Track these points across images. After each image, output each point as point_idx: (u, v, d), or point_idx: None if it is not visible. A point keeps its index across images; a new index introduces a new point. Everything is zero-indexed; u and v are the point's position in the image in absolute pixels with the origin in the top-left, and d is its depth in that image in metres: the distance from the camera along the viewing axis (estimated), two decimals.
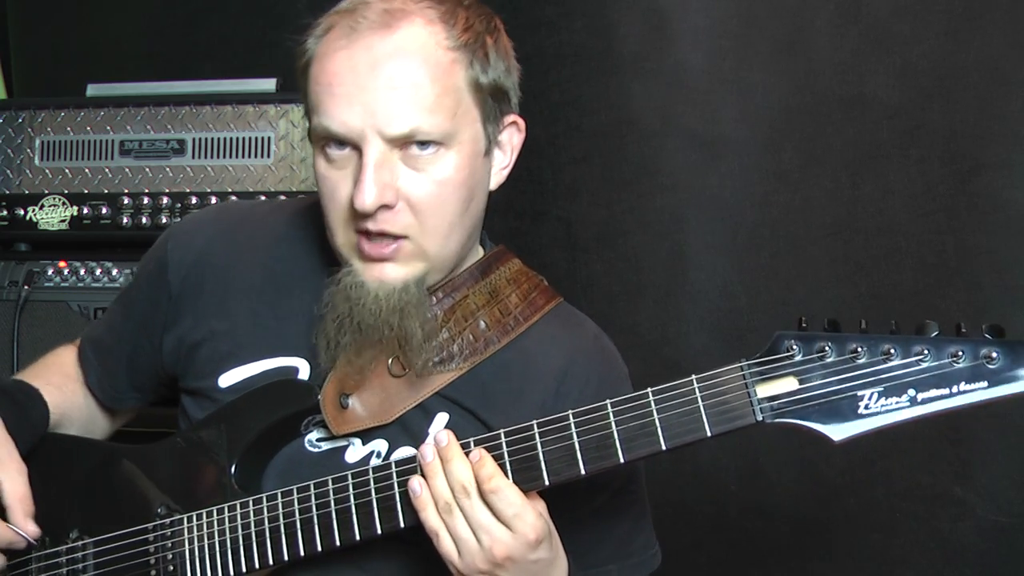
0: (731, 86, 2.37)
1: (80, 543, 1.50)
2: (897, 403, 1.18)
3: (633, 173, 2.46)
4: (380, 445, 1.46)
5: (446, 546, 1.29)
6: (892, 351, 1.18)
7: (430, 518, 1.29)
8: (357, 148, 1.35)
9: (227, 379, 1.50)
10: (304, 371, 1.49)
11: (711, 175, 2.39)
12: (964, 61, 2.16)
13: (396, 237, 1.37)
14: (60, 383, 1.66)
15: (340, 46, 1.35)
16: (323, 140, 1.37)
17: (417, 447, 1.43)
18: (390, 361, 1.45)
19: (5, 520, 1.46)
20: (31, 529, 1.47)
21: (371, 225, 1.35)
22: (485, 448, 1.31)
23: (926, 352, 1.17)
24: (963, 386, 1.16)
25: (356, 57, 1.33)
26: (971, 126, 2.15)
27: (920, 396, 1.17)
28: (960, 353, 1.16)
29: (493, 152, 1.47)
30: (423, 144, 1.35)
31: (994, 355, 1.14)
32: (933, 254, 2.20)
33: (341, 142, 1.36)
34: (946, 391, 1.16)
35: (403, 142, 1.34)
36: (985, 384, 1.15)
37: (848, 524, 2.27)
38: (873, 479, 2.23)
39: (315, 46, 1.39)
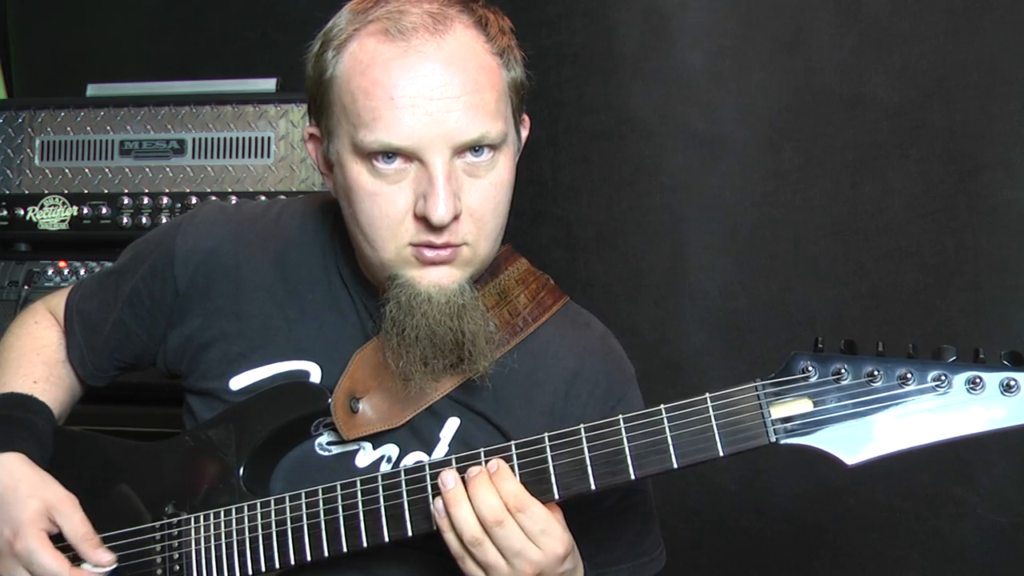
0: (731, 86, 2.37)
1: None
2: (913, 428, 1.16)
3: (633, 173, 2.46)
4: (391, 450, 1.45)
5: (472, 569, 1.27)
6: (909, 376, 1.16)
7: (453, 542, 1.27)
8: (412, 159, 1.31)
9: (238, 382, 1.49)
10: (315, 375, 1.48)
11: (711, 175, 2.39)
12: (964, 61, 2.16)
13: (458, 245, 1.35)
14: (46, 375, 1.61)
15: (389, 55, 1.29)
16: (371, 154, 1.32)
17: (428, 452, 1.43)
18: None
19: (76, 559, 1.44)
20: (106, 559, 1.44)
21: (436, 239, 1.32)
22: (496, 457, 1.29)
23: (943, 378, 1.15)
24: (980, 413, 1.14)
25: (413, 65, 1.29)
26: (971, 126, 2.16)
27: (937, 422, 1.15)
28: (979, 380, 1.14)
29: None
30: (477, 150, 1.33)
31: (1013, 384, 1.13)
32: (933, 254, 2.20)
33: (391, 155, 1.32)
34: (963, 418, 1.14)
35: (462, 150, 1.32)
36: (1003, 412, 1.13)
37: (848, 524, 2.27)
38: (873, 479, 2.23)
39: (340, 59, 1.34)
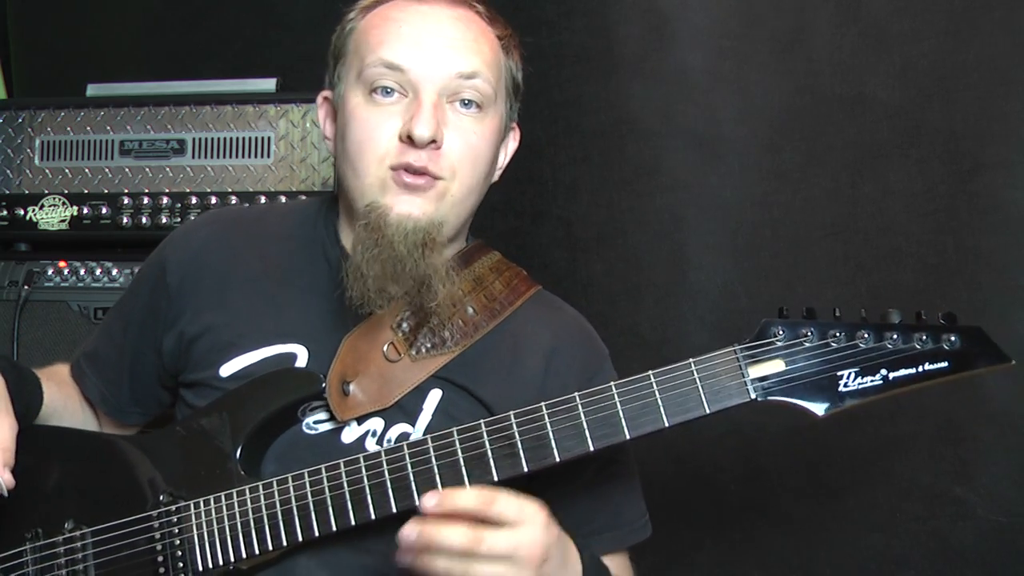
0: (731, 86, 2.37)
1: (78, 533, 1.50)
2: (872, 381, 1.33)
3: (633, 173, 2.46)
4: (376, 424, 1.50)
5: None
6: (865, 336, 1.34)
7: None
8: (407, 94, 1.44)
9: (228, 368, 1.53)
10: (302, 356, 1.52)
11: (711, 175, 2.39)
12: (964, 61, 2.16)
13: (435, 177, 1.45)
14: (59, 383, 1.68)
15: (403, 6, 1.49)
16: (371, 83, 1.45)
17: (412, 424, 1.49)
18: (385, 347, 1.50)
19: None
20: (6, 477, 1.41)
21: (415, 160, 1.42)
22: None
23: (895, 337, 1.33)
24: (927, 366, 1.32)
25: (424, 11, 1.48)
26: (971, 126, 2.16)
27: (891, 375, 1.33)
28: (924, 338, 1.32)
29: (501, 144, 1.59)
30: (466, 103, 1.46)
31: (952, 339, 1.32)
32: (933, 254, 2.20)
33: (389, 90, 1.45)
34: (913, 371, 1.32)
35: (453, 93, 1.45)
36: (946, 364, 1.32)
37: (848, 524, 2.27)
38: (873, 479, 2.23)
39: (362, 15, 1.51)
